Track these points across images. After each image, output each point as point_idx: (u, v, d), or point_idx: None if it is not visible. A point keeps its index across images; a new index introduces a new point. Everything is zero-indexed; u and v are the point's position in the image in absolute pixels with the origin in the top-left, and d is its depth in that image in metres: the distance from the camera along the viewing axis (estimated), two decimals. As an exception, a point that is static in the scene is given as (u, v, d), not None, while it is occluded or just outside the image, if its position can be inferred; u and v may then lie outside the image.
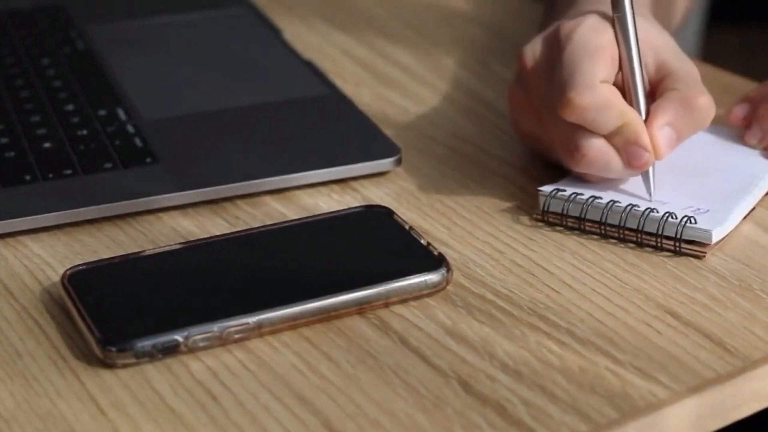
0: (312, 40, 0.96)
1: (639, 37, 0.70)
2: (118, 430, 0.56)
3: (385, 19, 1.00)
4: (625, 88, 0.70)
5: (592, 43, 0.69)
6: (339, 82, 0.86)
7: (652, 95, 0.71)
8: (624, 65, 0.70)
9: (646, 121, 0.70)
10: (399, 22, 0.99)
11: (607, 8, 0.71)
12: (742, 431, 0.68)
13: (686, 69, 0.72)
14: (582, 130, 0.69)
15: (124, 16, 0.98)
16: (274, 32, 0.95)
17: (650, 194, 0.70)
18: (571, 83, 0.68)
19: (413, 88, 0.88)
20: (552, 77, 0.70)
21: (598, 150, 0.69)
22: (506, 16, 0.99)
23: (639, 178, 0.71)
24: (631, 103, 0.70)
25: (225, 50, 0.92)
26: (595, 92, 0.68)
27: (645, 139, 0.69)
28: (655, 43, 0.72)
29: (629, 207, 0.68)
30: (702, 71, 0.91)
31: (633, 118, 0.69)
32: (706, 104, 0.70)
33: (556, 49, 0.70)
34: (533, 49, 0.73)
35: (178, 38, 0.94)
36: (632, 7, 0.70)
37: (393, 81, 0.89)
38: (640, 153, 0.69)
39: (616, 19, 0.70)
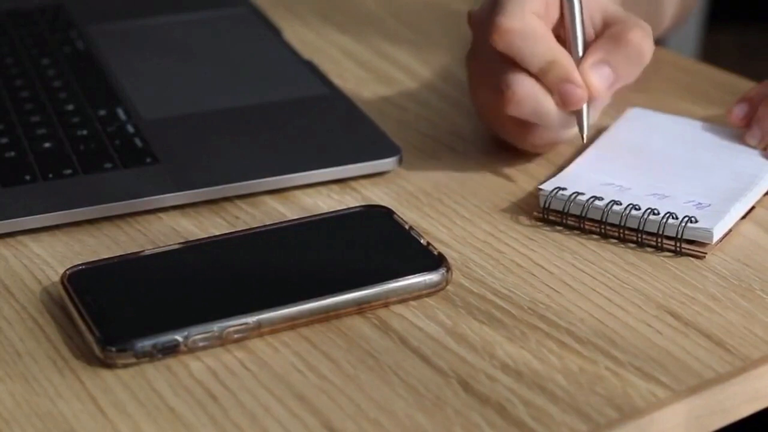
0: (312, 40, 0.96)
1: None
2: (118, 430, 0.56)
3: (385, 19, 1.00)
4: (566, 39, 0.72)
5: None
6: (339, 82, 0.86)
7: None
8: (565, 13, 0.71)
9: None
10: (399, 22, 0.99)
11: None
12: (742, 431, 0.68)
13: (629, 15, 0.72)
14: (512, 68, 0.70)
15: (124, 16, 0.98)
16: (274, 32, 0.95)
17: (583, 136, 0.72)
18: (499, 8, 0.69)
19: (413, 88, 0.88)
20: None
21: (527, 88, 0.69)
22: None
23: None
24: (570, 51, 0.71)
25: (225, 50, 0.92)
26: (523, 19, 0.69)
27: (576, 75, 0.70)
28: (601, 2, 0.73)
29: (630, 207, 0.68)
30: (702, 71, 0.91)
31: (561, 55, 0.70)
32: (637, 38, 0.70)
33: None
34: (478, 8, 0.74)
35: (178, 38, 0.94)
36: None
37: (393, 81, 0.89)
38: (572, 90, 0.70)
39: None
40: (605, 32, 0.71)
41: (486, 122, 0.78)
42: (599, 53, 0.70)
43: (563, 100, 0.70)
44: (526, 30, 0.69)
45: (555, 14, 0.72)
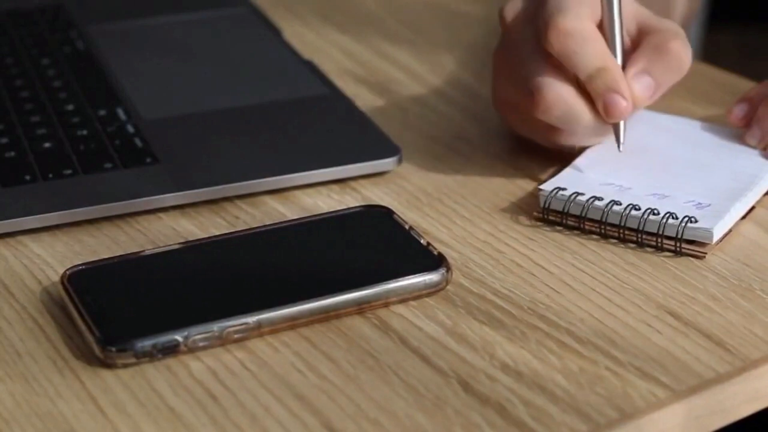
0: (312, 40, 0.96)
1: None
2: (118, 430, 0.56)
3: (385, 19, 1.00)
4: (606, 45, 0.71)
5: None
6: (339, 82, 0.86)
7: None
8: (605, 21, 0.71)
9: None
10: (399, 22, 0.99)
11: None
12: (742, 431, 0.68)
13: (665, 24, 0.72)
14: (546, 69, 0.69)
15: (124, 16, 0.98)
16: (274, 32, 0.95)
17: (620, 145, 0.71)
18: (558, 11, 0.69)
19: (413, 88, 0.88)
20: (532, 25, 0.71)
21: (558, 92, 0.69)
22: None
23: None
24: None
25: (225, 50, 0.92)
26: (581, 22, 0.69)
27: (624, 85, 0.69)
28: (635, 10, 0.73)
29: (630, 207, 0.68)
30: (702, 71, 0.91)
31: (612, 63, 0.70)
32: (678, 48, 0.70)
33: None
34: (514, 6, 0.74)
35: (178, 38, 0.94)
36: None
37: (393, 81, 0.89)
38: (617, 101, 0.69)
39: None
40: (645, 41, 0.71)
41: (507, 118, 0.77)
42: (641, 63, 0.70)
43: (607, 110, 0.69)
44: (583, 32, 0.69)
45: (597, 19, 0.71)
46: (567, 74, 0.70)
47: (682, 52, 0.70)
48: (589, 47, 0.69)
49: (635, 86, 0.70)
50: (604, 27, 0.71)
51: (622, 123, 0.71)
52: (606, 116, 0.69)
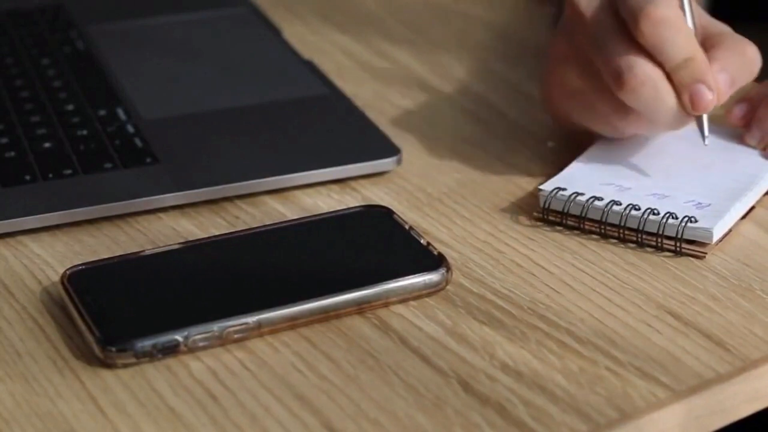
0: (312, 40, 0.96)
1: None
2: (118, 430, 0.56)
3: (385, 19, 1.00)
4: None
5: None
6: (339, 82, 0.86)
7: None
8: None
9: None
10: (399, 22, 0.99)
11: None
12: (742, 431, 0.68)
13: (726, 28, 0.73)
14: (635, 51, 0.68)
15: (124, 16, 0.98)
16: (274, 32, 0.95)
17: (704, 138, 0.71)
18: (647, 0, 0.68)
19: (413, 88, 0.88)
20: (610, 13, 0.70)
21: (650, 73, 0.68)
22: (506, 16, 0.99)
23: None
24: None
25: (225, 50, 0.92)
26: (672, 11, 0.68)
27: (710, 78, 0.69)
28: (697, 11, 0.73)
29: (629, 207, 0.68)
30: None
31: (700, 54, 0.69)
32: (754, 53, 0.71)
33: None
34: None
35: (178, 38, 0.94)
36: None
37: (393, 81, 0.89)
38: (704, 92, 0.68)
39: None
40: (720, 42, 0.71)
41: (561, 107, 0.75)
42: (723, 61, 0.70)
43: (693, 101, 0.68)
44: (675, 21, 0.68)
45: None
46: (654, 61, 0.69)
47: (756, 58, 0.71)
48: (679, 37, 0.68)
49: (720, 81, 0.69)
50: None
51: (705, 116, 0.71)
52: (691, 108, 0.69)
